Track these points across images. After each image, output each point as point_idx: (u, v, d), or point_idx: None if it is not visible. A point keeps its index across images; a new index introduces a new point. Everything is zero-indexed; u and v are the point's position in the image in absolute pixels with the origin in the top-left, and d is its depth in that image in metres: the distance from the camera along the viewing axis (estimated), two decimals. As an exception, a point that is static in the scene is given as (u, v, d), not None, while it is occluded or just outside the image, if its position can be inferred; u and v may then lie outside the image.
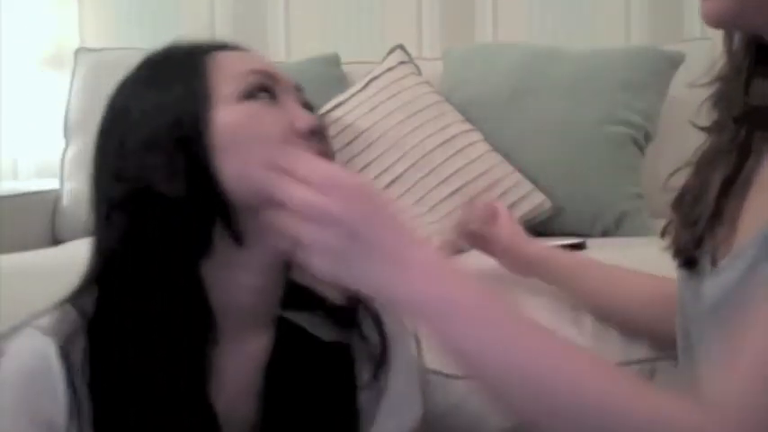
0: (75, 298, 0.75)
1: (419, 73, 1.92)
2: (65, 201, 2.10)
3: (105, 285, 0.73)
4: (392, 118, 1.78)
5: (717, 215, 0.66)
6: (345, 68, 2.05)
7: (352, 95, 1.85)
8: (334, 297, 0.65)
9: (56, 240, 2.08)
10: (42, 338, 0.72)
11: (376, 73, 1.89)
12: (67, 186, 2.11)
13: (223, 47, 0.79)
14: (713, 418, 0.56)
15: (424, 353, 0.87)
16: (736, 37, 0.68)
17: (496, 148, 1.77)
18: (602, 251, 1.52)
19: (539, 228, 1.75)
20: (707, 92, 0.71)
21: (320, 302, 0.73)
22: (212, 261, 0.68)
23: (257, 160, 0.70)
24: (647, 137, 1.79)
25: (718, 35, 0.71)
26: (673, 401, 0.58)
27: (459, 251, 1.10)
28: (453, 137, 1.75)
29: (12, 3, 2.44)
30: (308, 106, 0.78)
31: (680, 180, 0.74)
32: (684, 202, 0.72)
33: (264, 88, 0.74)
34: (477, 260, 1.07)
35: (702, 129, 0.72)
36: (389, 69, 1.89)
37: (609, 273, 0.94)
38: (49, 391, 0.71)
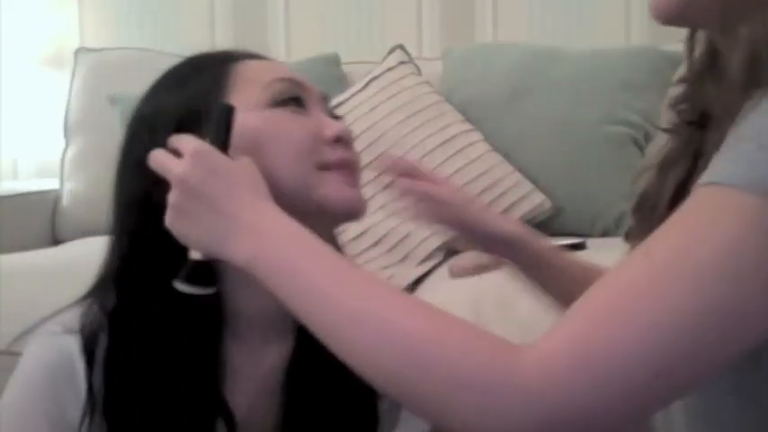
0: (94, 295, 0.76)
1: (419, 73, 1.92)
2: (65, 201, 2.10)
3: (123, 284, 0.74)
4: (392, 118, 1.78)
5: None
6: (345, 68, 2.05)
7: (353, 95, 1.85)
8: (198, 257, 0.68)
9: (56, 240, 2.09)
10: (65, 336, 0.73)
11: (376, 73, 1.89)
12: (67, 186, 2.11)
13: (251, 56, 0.79)
14: (531, 357, 0.52)
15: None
16: (699, 41, 0.68)
17: (496, 148, 1.77)
18: (602, 251, 1.52)
19: (539, 228, 1.74)
20: None
21: None
22: (231, 265, 0.68)
23: (283, 165, 0.71)
24: (647, 137, 1.79)
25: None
26: (488, 339, 0.54)
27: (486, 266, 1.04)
28: (453, 137, 1.76)
29: (12, 3, 2.44)
30: (334, 115, 0.79)
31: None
32: (643, 207, 0.72)
33: (293, 96, 0.75)
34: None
35: (663, 130, 0.72)
36: (389, 69, 1.89)
37: (586, 272, 0.91)
38: (70, 388, 0.72)
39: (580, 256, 1.51)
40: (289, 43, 2.37)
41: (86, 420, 0.72)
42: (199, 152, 0.66)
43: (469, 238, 0.90)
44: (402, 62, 1.93)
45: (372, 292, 0.58)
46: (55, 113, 2.24)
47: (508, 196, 1.71)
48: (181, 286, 0.68)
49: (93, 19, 2.47)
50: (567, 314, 0.54)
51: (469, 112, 1.82)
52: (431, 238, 1.59)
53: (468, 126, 1.79)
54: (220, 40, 2.36)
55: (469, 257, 1.32)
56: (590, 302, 0.53)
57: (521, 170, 1.75)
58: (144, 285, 0.72)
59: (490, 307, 1.23)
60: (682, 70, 0.70)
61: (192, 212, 0.65)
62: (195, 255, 0.68)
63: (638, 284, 0.52)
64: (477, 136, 1.78)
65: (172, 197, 0.66)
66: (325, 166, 0.73)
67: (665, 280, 0.51)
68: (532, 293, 0.92)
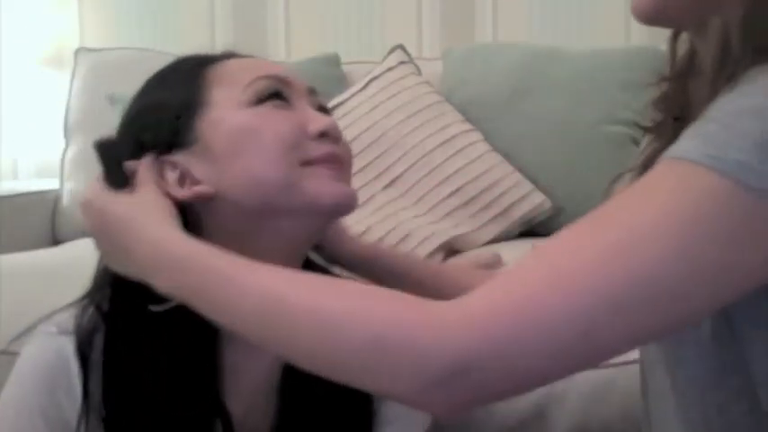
0: (90, 296, 0.76)
1: (419, 73, 1.92)
2: (65, 201, 2.10)
3: (118, 285, 0.74)
4: (392, 118, 1.78)
5: None
6: (345, 68, 2.05)
7: (353, 95, 1.85)
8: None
9: (56, 240, 2.08)
10: (61, 337, 0.73)
11: (376, 73, 1.89)
12: (67, 186, 2.11)
13: (235, 56, 0.79)
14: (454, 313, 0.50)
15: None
16: (683, 41, 0.69)
17: (496, 148, 1.77)
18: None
19: (539, 228, 1.75)
20: None
21: None
22: None
23: (266, 163, 0.70)
24: (647, 137, 1.79)
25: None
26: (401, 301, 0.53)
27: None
28: (453, 137, 1.75)
29: (12, 3, 2.44)
30: (323, 109, 0.78)
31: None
32: None
33: (275, 93, 0.74)
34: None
35: (645, 129, 0.72)
36: (389, 69, 1.89)
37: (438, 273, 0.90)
38: (66, 390, 0.72)
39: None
40: (289, 43, 2.37)
41: (83, 421, 0.71)
42: (85, 203, 0.71)
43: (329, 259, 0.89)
44: (402, 62, 1.92)
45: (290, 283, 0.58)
46: (55, 113, 2.23)
47: (508, 196, 1.71)
48: (154, 308, 0.70)
49: (93, 19, 2.47)
50: (498, 274, 0.54)
51: (469, 112, 1.82)
52: (431, 238, 1.59)
53: (468, 126, 1.79)
54: (220, 40, 2.36)
55: (469, 257, 1.31)
56: (521, 268, 0.53)
57: (521, 170, 1.75)
58: (138, 288, 0.72)
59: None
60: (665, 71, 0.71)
61: (108, 254, 0.71)
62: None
63: (578, 246, 0.52)
64: (477, 136, 1.78)
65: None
66: (309, 162, 0.72)
67: (604, 243, 0.51)
68: None
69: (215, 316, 0.60)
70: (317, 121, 0.73)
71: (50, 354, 0.73)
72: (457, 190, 1.69)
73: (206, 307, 0.61)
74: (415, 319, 0.51)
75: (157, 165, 0.73)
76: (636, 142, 1.77)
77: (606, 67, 1.82)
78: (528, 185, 1.73)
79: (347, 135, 1.70)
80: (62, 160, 2.14)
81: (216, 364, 0.73)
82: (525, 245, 1.55)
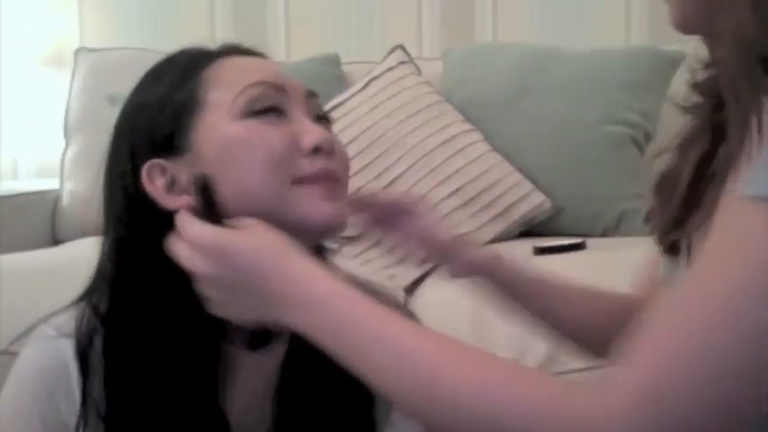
0: (88, 297, 0.75)
1: (419, 73, 1.92)
2: (65, 201, 2.10)
3: (116, 286, 0.73)
4: (392, 118, 1.78)
5: (692, 199, 0.65)
6: (345, 68, 2.05)
7: (353, 95, 1.85)
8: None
9: (56, 240, 2.08)
10: (60, 340, 0.72)
11: (376, 73, 1.89)
12: (67, 186, 2.11)
13: (232, 51, 0.76)
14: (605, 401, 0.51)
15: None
16: None
17: (496, 148, 1.77)
18: (601, 251, 1.52)
19: (539, 228, 1.75)
20: None
21: None
22: None
23: (256, 180, 0.68)
24: (647, 137, 1.79)
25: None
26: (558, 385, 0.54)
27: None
28: (453, 137, 1.76)
29: (12, 3, 2.44)
30: (322, 115, 0.75)
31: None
32: (664, 187, 0.71)
33: (269, 106, 0.71)
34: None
35: (683, 109, 0.71)
36: (389, 69, 1.89)
37: (566, 291, 0.90)
38: (65, 393, 0.71)
39: (580, 255, 1.50)
40: (289, 43, 2.37)
41: (82, 424, 0.71)
42: (202, 245, 0.64)
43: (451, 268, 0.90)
44: (402, 62, 1.93)
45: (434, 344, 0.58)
46: (55, 113, 2.24)
47: (508, 196, 1.71)
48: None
49: (93, 19, 2.47)
50: (626, 356, 0.54)
51: (469, 112, 1.82)
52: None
53: (468, 126, 1.79)
54: (220, 41, 2.36)
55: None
56: (647, 343, 0.53)
57: (521, 170, 1.75)
58: (136, 290, 0.72)
59: (490, 307, 1.23)
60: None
61: (229, 302, 0.65)
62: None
63: (690, 324, 0.51)
64: (477, 136, 1.78)
65: (203, 290, 0.65)
66: (301, 180, 0.69)
67: (719, 315, 0.50)
68: (504, 314, 0.91)
69: (350, 364, 0.59)
70: (311, 135, 0.70)
71: (49, 357, 0.72)
72: (457, 190, 1.70)
73: (343, 356, 0.60)
74: (576, 416, 0.52)
75: (147, 167, 0.71)
76: (636, 142, 1.78)
77: (606, 67, 1.82)
78: (528, 185, 1.73)
79: (347, 135, 1.72)
80: (62, 160, 2.14)
81: (215, 364, 0.73)
82: (525, 245, 1.55)
